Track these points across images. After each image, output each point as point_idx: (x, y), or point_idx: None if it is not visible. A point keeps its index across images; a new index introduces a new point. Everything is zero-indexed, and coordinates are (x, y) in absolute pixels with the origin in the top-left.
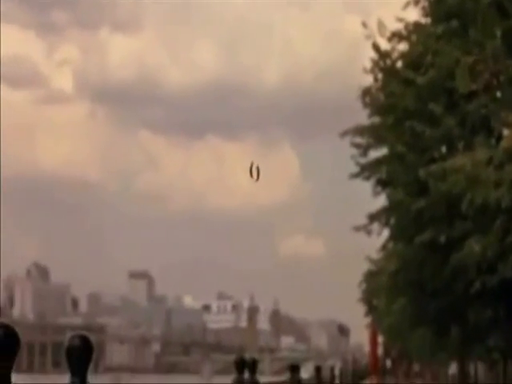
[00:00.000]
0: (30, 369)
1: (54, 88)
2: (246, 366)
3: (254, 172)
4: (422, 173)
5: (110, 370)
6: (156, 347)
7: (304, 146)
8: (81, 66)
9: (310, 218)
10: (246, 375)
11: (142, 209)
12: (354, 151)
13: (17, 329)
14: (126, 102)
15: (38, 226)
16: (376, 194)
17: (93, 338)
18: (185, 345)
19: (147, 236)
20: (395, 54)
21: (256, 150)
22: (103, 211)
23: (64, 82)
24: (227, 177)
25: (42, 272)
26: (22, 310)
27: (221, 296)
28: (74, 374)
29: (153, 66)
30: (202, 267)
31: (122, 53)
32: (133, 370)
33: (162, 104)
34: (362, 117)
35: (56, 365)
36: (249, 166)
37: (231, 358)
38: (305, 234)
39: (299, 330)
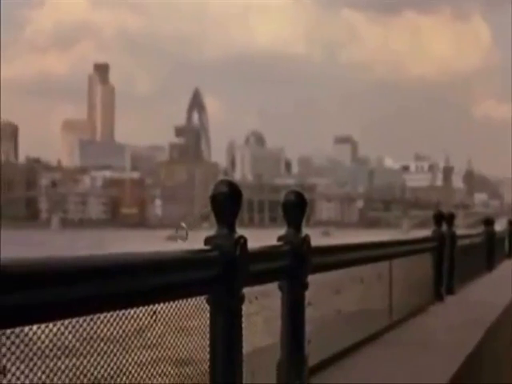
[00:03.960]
0: (250, 224)
1: None
2: (443, 219)
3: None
4: None
5: (319, 223)
6: (359, 204)
7: (495, 15)
8: None
9: (501, 83)
10: (444, 228)
11: (345, 79)
12: None
13: None
14: None
15: (255, 98)
16: None
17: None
18: (386, 202)
19: (351, 103)
20: None
21: (449, 21)
22: (311, 82)
23: None
24: (423, 47)
25: (259, 139)
26: (243, 172)
27: (418, 157)
28: (289, 225)
29: None
30: (401, 131)
31: None
32: (339, 224)
33: None
34: None
35: (272, 220)
36: (444, 37)
37: (428, 213)
38: (496, 98)
39: (492, 188)
